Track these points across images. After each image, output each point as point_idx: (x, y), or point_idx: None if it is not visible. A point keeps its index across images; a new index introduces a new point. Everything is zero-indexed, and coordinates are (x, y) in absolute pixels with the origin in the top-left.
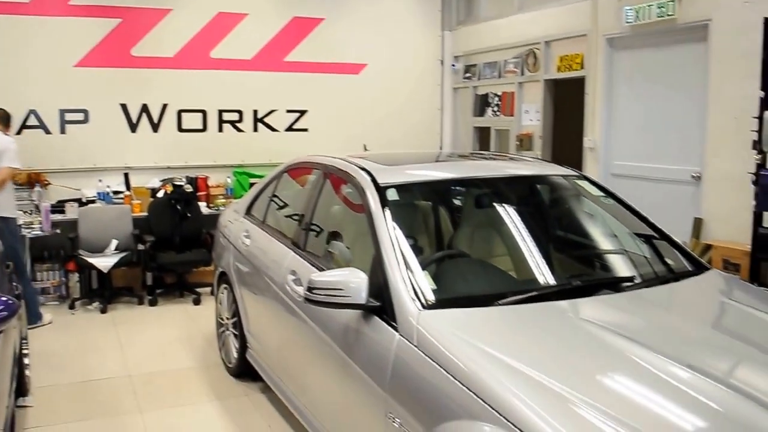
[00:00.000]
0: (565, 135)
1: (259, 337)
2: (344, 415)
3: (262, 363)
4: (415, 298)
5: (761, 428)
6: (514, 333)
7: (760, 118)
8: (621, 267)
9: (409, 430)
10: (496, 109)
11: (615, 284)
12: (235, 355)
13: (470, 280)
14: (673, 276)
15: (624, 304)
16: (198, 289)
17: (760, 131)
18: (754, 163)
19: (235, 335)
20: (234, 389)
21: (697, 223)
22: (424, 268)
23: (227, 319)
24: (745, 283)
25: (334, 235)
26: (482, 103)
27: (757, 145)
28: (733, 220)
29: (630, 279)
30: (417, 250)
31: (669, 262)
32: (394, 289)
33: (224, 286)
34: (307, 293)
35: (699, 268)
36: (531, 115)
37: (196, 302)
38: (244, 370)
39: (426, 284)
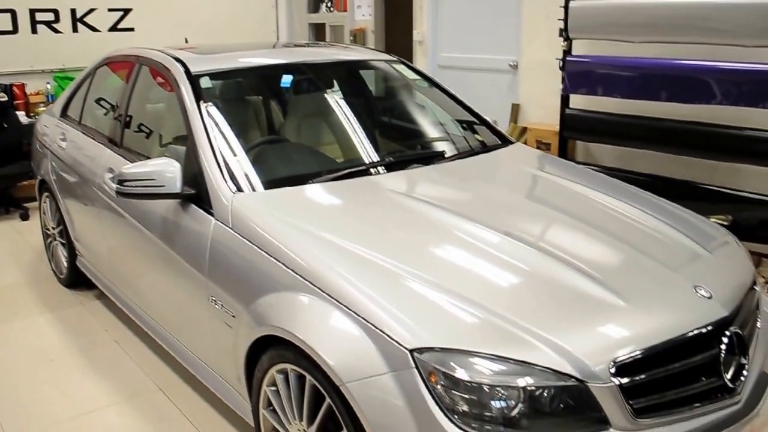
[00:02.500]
0: (397, 30)
1: (86, 243)
2: (171, 307)
3: (93, 269)
4: (229, 182)
5: (565, 282)
6: (327, 208)
7: (566, 7)
8: (436, 144)
9: (230, 310)
10: (329, 4)
11: (428, 159)
12: (66, 264)
13: (287, 163)
14: (483, 150)
15: (435, 176)
16: (26, 204)
17: (566, 20)
18: (561, 50)
19: (62, 244)
20: (68, 299)
21: (515, 109)
22: (239, 154)
23: (53, 228)
24: (547, 154)
25: (176, 140)
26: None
27: (563, 32)
28: (545, 104)
29: (441, 154)
30: (235, 138)
31: (480, 139)
32: (207, 174)
33: (46, 194)
34: (119, 186)
35: (506, 143)
36: (363, 10)
37: (24, 217)
38: (77, 279)
39: (240, 169)
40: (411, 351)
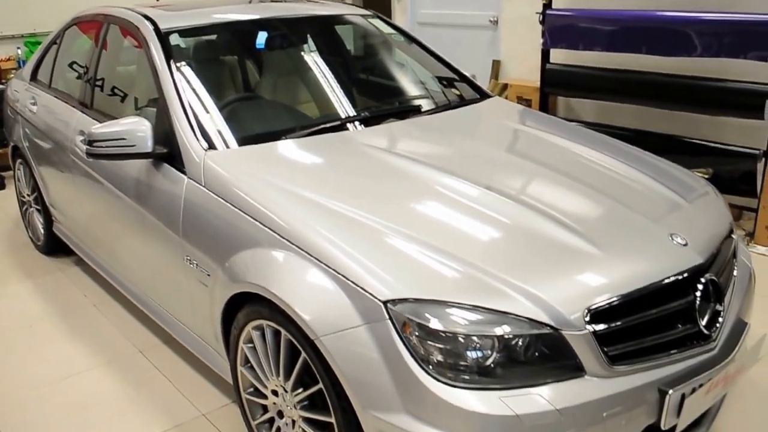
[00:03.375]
0: None
1: (61, 209)
2: (148, 269)
3: (70, 234)
4: (201, 139)
5: (542, 233)
6: (301, 163)
7: None
8: (413, 100)
9: (205, 268)
10: None
11: (405, 114)
12: (42, 231)
13: (260, 120)
14: (461, 104)
15: (412, 130)
16: (2, 173)
17: None
18: (541, 4)
19: (38, 211)
20: (46, 266)
21: (496, 65)
22: (211, 111)
23: (28, 195)
24: (527, 108)
25: (151, 103)
26: None
27: None
28: (526, 60)
29: (418, 108)
30: (207, 95)
31: (458, 93)
32: (178, 132)
33: (20, 161)
34: (88, 147)
35: (485, 98)
36: None
37: (0, 186)
38: (55, 246)
39: (212, 126)
40: (384, 302)
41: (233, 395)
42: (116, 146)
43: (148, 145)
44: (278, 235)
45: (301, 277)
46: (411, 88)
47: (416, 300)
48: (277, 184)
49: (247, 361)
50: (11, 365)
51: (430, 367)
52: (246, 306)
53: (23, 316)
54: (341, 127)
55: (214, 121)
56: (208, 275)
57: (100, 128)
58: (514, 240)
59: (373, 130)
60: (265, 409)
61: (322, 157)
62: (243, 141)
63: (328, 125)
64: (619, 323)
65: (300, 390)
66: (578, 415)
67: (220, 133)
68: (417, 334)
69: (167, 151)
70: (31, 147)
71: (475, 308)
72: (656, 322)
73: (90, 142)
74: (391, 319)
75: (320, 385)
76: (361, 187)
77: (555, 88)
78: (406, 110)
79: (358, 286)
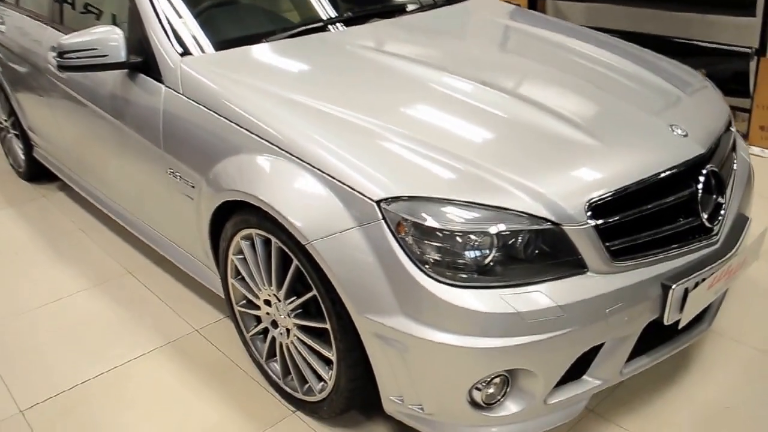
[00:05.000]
0: None
1: (40, 132)
2: (132, 187)
3: (51, 158)
4: (176, 45)
5: (540, 127)
6: (282, 65)
7: None
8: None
9: (189, 181)
10: None
11: (389, 14)
12: (23, 157)
13: (238, 24)
14: (447, 2)
15: (399, 29)
16: None
17: None
18: None
19: (17, 136)
20: (30, 193)
21: None
22: (184, 15)
23: (5, 120)
24: (516, 6)
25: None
26: None
27: None
28: None
29: (403, 7)
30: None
31: None
32: (152, 39)
33: None
34: (59, 59)
35: None
36: None
37: None
38: (38, 172)
39: (186, 31)
40: (378, 202)
41: (226, 310)
42: (88, 57)
43: (121, 55)
44: (263, 139)
45: (289, 182)
46: None
47: (410, 198)
48: (259, 87)
49: (237, 273)
50: (2, 289)
51: (427, 267)
52: (233, 216)
53: (7, 243)
54: (323, 29)
55: (188, 26)
56: (193, 187)
57: (69, 38)
58: (511, 135)
59: (357, 29)
60: (258, 320)
61: (304, 58)
62: (220, 45)
63: (309, 27)
64: (620, 217)
65: (293, 298)
66: (580, 312)
67: (195, 38)
68: (412, 233)
69: (142, 60)
70: (4, 69)
71: (471, 205)
72: (658, 216)
73: (60, 54)
74: (384, 219)
75: (314, 292)
76: (347, 86)
77: None
78: (391, 10)
79: (348, 186)
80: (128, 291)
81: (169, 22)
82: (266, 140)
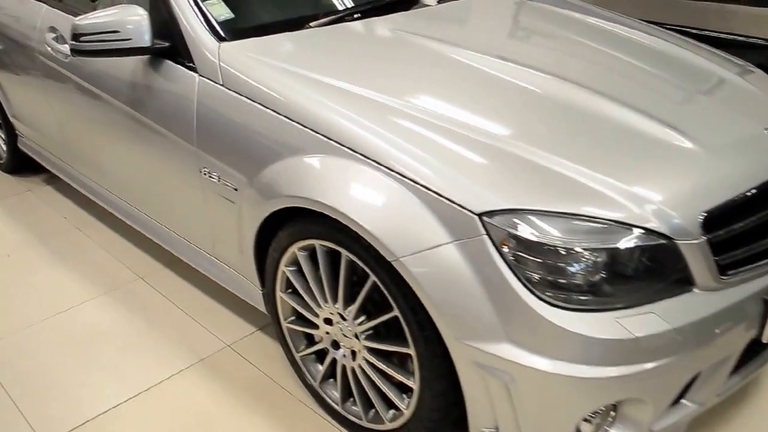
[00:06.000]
0: None
1: (28, 121)
2: (149, 184)
3: (41, 150)
4: (209, 30)
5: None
6: (342, 56)
7: None
8: None
9: (230, 182)
10: None
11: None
12: (5, 147)
13: (270, 5)
14: None
15: (448, 17)
16: None
17: None
18: None
19: None
20: (13, 187)
21: None
22: None
23: None
24: None
25: None
26: None
27: None
28: None
29: None
30: None
31: None
32: (183, 21)
33: None
34: (74, 43)
35: None
36: None
37: None
38: (21, 164)
39: (220, 11)
40: (479, 215)
41: (258, 323)
42: (107, 41)
43: (145, 39)
44: (334, 141)
45: (366, 188)
46: None
47: (515, 210)
48: (317, 79)
49: (288, 286)
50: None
51: (536, 287)
52: (290, 224)
53: None
54: (369, 14)
55: (222, 7)
56: (235, 190)
57: (86, 19)
58: (610, 137)
59: (397, 17)
60: (311, 339)
61: (359, 48)
62: (260, 31)
63: (355, 10)
64: (731, 229)
65: (363, 318)
66: (692, 334)
67: (230, 22)
68: (517, 250)
69: (169, 45)
70: None
71: (581, 217)
72: (764, 226)
73: (75, 36)
74: (488, 233)
75: (395, 313)
76: (419, 82)
77: None
78: None
79: (443, 197)
80: (142, 299)
81: (200, 1)
82: (338, 142)
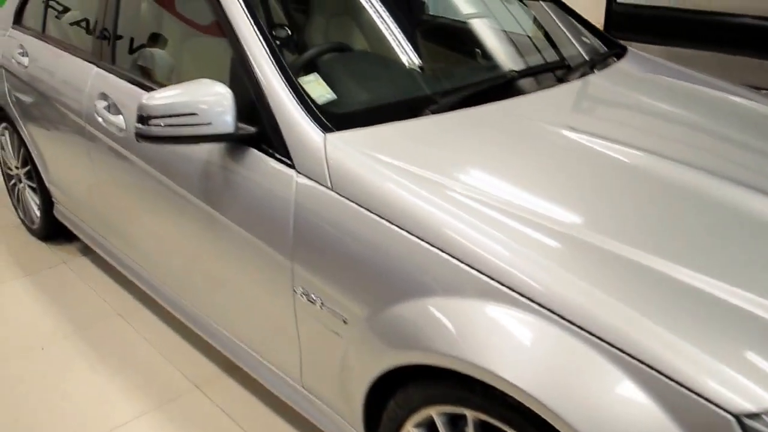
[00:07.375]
0: None
1: (68, 190)
2: (221, 290)
3: (80, 223)
4: (310, 115)
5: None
6: (477, 153)
7: None
8: (543, 52)
9: (338, 311)
10: None
11: (550, 72)
12: (38, 213)
13: (374, 83)
14: (603, 60)
15: (575, 97)
16: None
17: None
18: None
19: (32, 188)
20: (46, 257)
21: None
22: (303, 70)
23: (17, 168)
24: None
25: (154, 40)
26: None
27: None
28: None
29: (563, 65)
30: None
31: (587, 42)
32: (276, 103)
33: (4, 125)
34: (140, 127)
35: (611, 47)
36: None
37: None
38: (54, 230)
39: (320, 91)
40: (737, 416)
41: None
42: (182, 125)
43: (228, 123)
44: (494, 280)
45: (562, 361)
46: (537, 42)
47: None
48: (479, 197)
49: None
50: (28, 417)
51: None
52: (429, 382)
53: (30, 331)
54: (497, 95)
55: (323, 88)
56: (344, 322)
57: (155, 98)
58: None
59: (537, 99)
60: None
61: (508, 147)
62: (374, 116)
63: (485, 90)
64: None
65: None
66: None
67: (334, 105)
68: None
69: (256, 131)
70: (22, 109)
71: None
72: None
73: (142, 119)
74: None
75: None
76: (607, 201)
77: (622, 33)
78: (555, 67)
79: (683, 386)
80: (202, 415)
81: (294, 81)
82: (519, 293)
